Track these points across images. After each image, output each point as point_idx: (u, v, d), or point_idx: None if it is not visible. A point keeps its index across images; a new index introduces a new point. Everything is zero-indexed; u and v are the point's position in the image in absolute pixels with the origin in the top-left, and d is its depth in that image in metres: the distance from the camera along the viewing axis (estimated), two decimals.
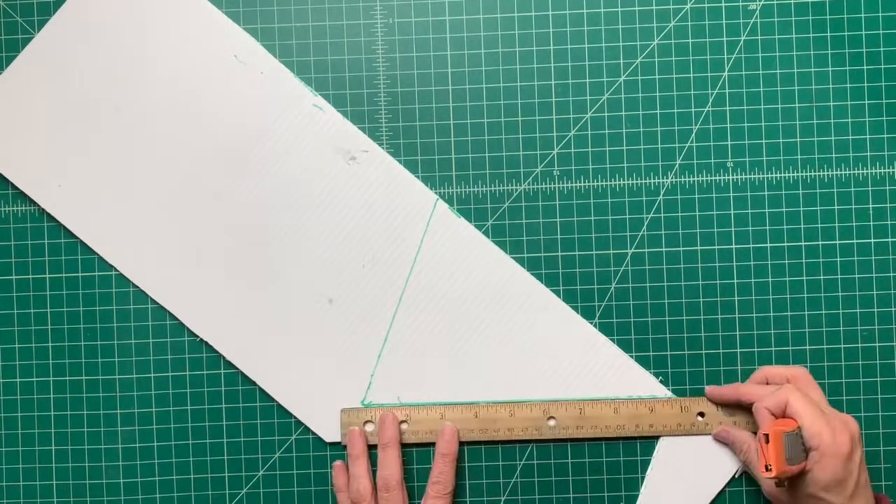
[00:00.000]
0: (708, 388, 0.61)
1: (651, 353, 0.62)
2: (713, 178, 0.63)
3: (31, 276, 0.63)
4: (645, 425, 0.61)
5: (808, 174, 0.63)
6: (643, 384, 0.61)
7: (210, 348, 0.63)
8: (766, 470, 0.52)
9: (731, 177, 0.63)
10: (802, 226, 0.62)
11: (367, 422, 0.61)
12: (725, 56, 0.62)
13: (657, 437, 0.61)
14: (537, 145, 0.63)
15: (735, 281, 0.62)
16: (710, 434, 0.61)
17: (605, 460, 0.62)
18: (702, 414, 0.61)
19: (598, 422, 0.61)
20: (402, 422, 0.61)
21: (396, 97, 0.63)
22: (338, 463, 0.62)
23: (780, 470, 0.52)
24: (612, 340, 0.62)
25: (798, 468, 0.53)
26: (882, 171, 0.62)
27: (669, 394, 0.61)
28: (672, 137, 0.63)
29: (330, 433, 0.62)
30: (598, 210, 0.63)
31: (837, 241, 0.62)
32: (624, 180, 0.63)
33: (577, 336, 0.62)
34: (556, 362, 0.62)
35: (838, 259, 0.62)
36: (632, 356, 0.62)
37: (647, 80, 0.63)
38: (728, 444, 0.60)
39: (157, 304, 0.62)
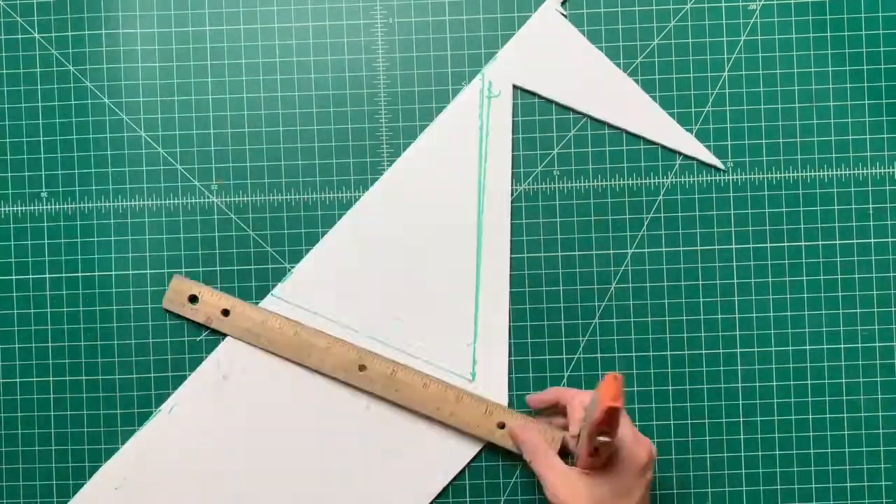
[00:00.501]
0: (529, 396, 0.61)
1: (651, 353, 0.62)
2: (713, 178, 0.63)
3: (31, 276, 0.63)
4: (446, 412, 0.61)
5: (808, 174, 0.63)
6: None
7: (210, 348, 0.63)
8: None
9: (731, 177, 0.63)
10: (802, 226, 0.62)
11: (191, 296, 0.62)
12: (725, 56, 0.62)
13: (447, 426, 0.61)
14: (537, 145, 0.63)
15: (735, 281, 0.62)
16: (503, 445, 0.61)
17: None
18: (502, 425, 0.61)
19: (406, 390, 0.61)
20: (225, 311, 0.62)
21: (396, 97, 0.63)
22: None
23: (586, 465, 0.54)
24: (612, 340, 0.62)
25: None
26: (882, 171, 0.62)
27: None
28: None
29: None
30: (598, 210, 0.63)
31: (837, 241, 0.62)
32: (624, 180, 0.63)
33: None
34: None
35: (838, 259, 0.62)
36: (632, 356, 0.62)
37: (647, 80, 0.63)
38: (518, 443, 0.60)
39: (158, 304, 0.63)
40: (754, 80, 0.62)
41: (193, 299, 0.62)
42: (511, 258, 0.63)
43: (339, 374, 0.61)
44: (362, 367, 0.61)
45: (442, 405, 0.61)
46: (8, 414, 0.63)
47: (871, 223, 0.62)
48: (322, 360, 0.61)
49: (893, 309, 0.62)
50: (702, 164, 0.62)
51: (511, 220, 0.63)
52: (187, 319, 0.62)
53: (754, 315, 0.62)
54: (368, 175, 0.63)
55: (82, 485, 0.62)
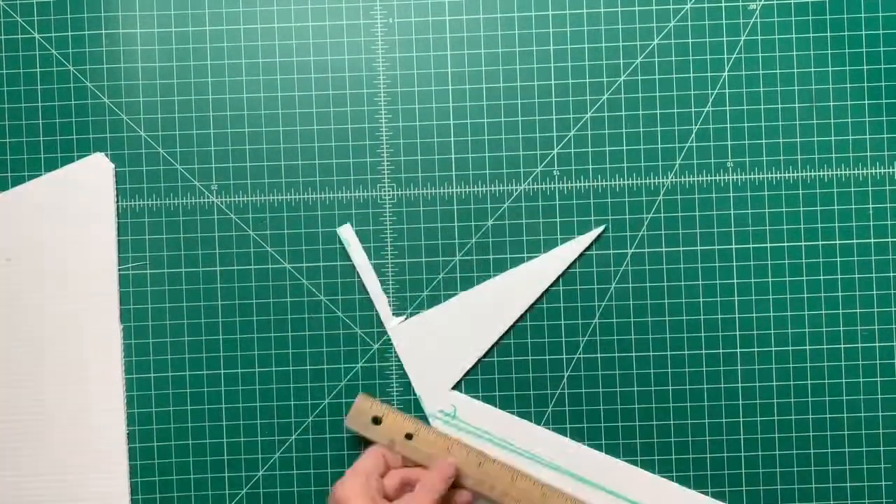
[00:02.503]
0: None
1: (651, 353, 0.62)
2: (713, 178, 0.63)
3: None
4: None
5: (808, 174, 0.63)
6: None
7: (209, 348, 0.63)
8: None
9: (731, 177, 0.63)
10: (802, 226, 0.62)
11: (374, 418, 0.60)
12: (725, 56, 0.62)
13: None
14: (537, 145, 0.63)
15: (735, 281, 0.62)
16: None
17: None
18: None
19: None
20: (409, 435, 0.60)
21: (396, 97, 0.63)
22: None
23: None
24: (612, 340, 0.62)
25: None
26: (882, 171, 0.62)
27: None
28: (672, 137, 0.63)
29: None
30: (598, 210, 0.63)
31: (837, 241, 0.62)
32: (624, 180, 0.63)
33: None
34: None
35: (838, 259, 0.62)
36: (632, 356, 0.62)
37: (647, 80, 0.63)
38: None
39: (158, 303, 0.63)
40: (754, 80, 0.62)
41: (376, 420, 0.60)
42: (511, 258, 0.63)
43: None
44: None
45: None
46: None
47: (871, 223, 0.62)
48: (506, 493, 0.59)
49: (893, 309, 0.62)
50: (702, 163, 0.62)
51: (511, 219, 0.63)
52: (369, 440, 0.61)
53: (754, 315, 0.62)
54: (368, 175, 0.63)
55: None
